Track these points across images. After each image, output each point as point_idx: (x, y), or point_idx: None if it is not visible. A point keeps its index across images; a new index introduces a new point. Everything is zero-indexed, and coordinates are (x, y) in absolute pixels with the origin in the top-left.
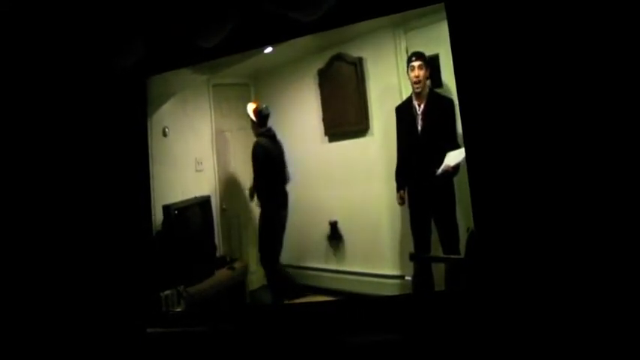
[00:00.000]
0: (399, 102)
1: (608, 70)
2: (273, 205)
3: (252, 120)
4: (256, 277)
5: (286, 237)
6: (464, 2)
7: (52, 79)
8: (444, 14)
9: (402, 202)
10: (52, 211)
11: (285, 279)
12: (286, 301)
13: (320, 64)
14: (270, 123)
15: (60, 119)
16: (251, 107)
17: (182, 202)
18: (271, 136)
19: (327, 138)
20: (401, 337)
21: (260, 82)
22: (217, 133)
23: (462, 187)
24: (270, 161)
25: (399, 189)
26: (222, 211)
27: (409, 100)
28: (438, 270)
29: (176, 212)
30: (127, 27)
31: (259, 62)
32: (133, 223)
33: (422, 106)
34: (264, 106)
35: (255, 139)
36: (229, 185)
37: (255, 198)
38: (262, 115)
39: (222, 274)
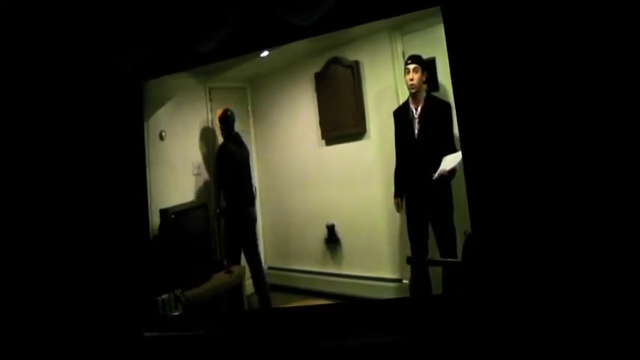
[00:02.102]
0: (395, 105)
1: (605, 73)
2: (235, 206)
3: (219, 125)
4: None
5: (284, 240)
6: (460, 5)
7: (49, 82)
8: (440, 17)
9: (398, 208)
10: (48, 215)
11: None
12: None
13: (316, 67)
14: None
15: (57, 122)
16: (217, 113)
17: (179, 205)
18: (237, 141)
19: (324, 141)
20: (398, 340)
21: (257, 86)
22: (214, 137)
23: (459, 190)
24: (233, 164)
25: (396, 195)
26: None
27: (406, 104)
28: (436, 273)
29: (173, 216)
30: (124, 30)
31: (256, 66)
32: (130, 227)
33: (419, 109)
34: (229, 112)
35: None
36: None
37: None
38: (227, 121)
39: (219, 277)
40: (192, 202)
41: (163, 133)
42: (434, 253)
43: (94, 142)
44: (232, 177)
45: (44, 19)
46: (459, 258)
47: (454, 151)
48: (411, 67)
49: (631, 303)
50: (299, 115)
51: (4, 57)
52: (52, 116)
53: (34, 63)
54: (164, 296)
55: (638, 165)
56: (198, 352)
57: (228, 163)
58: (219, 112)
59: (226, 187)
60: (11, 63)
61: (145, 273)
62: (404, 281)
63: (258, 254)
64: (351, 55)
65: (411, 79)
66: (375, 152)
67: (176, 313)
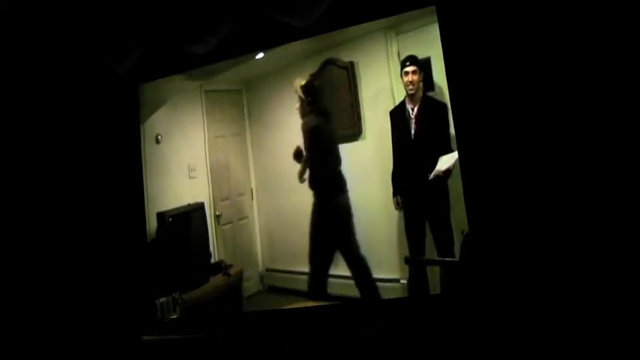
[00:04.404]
0: (391, 105)
1: (600, 70)
2: (325, 191)
3: (300, 98)
4: (252, 283)
5: (281, 241)
6: (455, 5)
7: (46, 85)
8: (435, 17)
9: (398, 207)
10: (44, 219)
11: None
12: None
13: (312, 68)
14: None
15: (53, 125)
16: (298, 83)
17: (176, 209)
18: (323, 113)
19: None
20: (397, 340)
21: (253, 88)
22: (210, 140)
23: (456, 189)
24: (322, 140)
25: (395, 194)
26: (216, 217)
27: (402, 104)
28: (434, 273)
29: (170, 219)
30: (120, 33)
31: (252, 68)
32: (128, 230)
33: (415, 109)
34: (315, 82)
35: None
36: (223, 191)
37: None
38: (312, 91)
39: (217, 280)
40: (189, 205)
41: (159, 137)
42: (431, 252)
43: (90, 145)
44: (320, 156)
45: (41, 21)
46: (457, 257)
47: (450, 151)
48: (410, 69)
49: (629, 298)
50: (295, 116)
51: (1, 58)
52: (48, 119)
53: (30, 65)
54: (162, 299)
55: (632, 161)
56: (196, 355)
57: (316, 139)
58: (301, 81)
59: (317, 170)
60: (8, 64)
61: (143, 276)
62: (402, 281)
63: (357, 249)
64: (346, 56)
65: (411, 82)
66: (371, 153)
67: (174, 316)
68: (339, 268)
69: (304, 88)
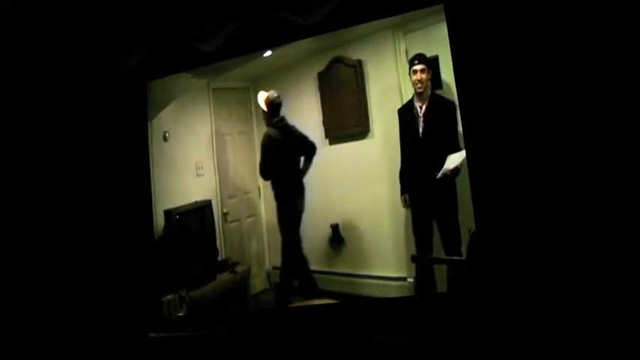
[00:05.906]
0: (399, 104)
1: (608, 70)
2: (280, 196)
3: (263, 110)
4: (259, 280)
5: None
6: (463, 3)
7: (52, 83)
8: (443, 15)
9: (406, 205)
10: (53, 216)
11: (296, 277)
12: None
13: (320, 66)
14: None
15: (60, 124)
16: (262, 97)
17: (183, 206)
18: (281, 127)
19: (327, 140)
20: (403, 338)
21: (260, 86)
22: (218, 137)
23: (463, 188)
24: (275, 152)
25: (402, 192)
26: (224, 215)
27: (411, 102)
28: (441, 272)
29: (177, 217)
30: (127, 30)
31: (259, 66)
32: (135, 227)
33: (423, 107)
34: (275, 95)
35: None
36: (230, 189)
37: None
38: (273, 105)
39: (224, 278)
40: (196, 202)
41: (167, 134)
42: (438, 251)
43: (98, 143)
44: (273, 167)
45: (45, 20)
46: (464, 256)
47: (458, 149)
48: (419, 67)
49: (636, 301)
50: (302, 114)
51: (5, 58)
52: (56, 118)
53: (35, 64)
54: (169, 297)
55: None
56: (203, 353)
57: (268, 152)
58: (264, 95)
59: (273, 178)
60: (13, 64)
61: (150, 274)
62: (409, 280)
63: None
64: (354, 54)
65: (419, 80)
66: (378, 151)
67: (181, 314)
68: (345, 266)
69: (266, 101)
